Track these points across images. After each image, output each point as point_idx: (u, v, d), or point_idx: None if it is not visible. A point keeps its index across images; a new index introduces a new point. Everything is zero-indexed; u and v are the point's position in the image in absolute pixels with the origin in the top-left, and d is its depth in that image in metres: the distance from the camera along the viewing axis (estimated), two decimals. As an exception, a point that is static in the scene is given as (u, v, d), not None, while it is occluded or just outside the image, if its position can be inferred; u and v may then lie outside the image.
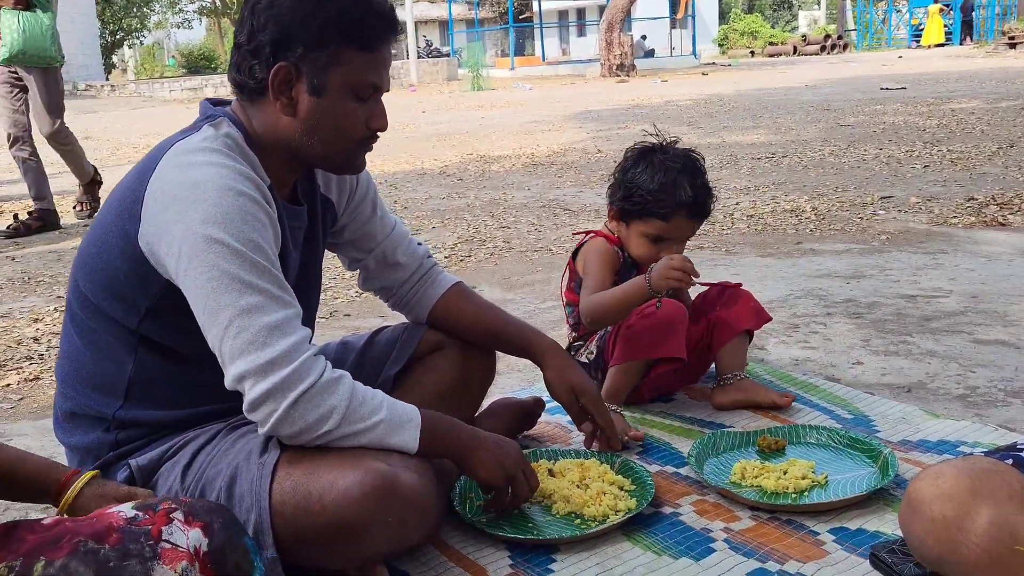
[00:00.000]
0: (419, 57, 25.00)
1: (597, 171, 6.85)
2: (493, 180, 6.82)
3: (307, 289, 1.80)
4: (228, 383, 1.49)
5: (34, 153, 5.52)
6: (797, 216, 4.86)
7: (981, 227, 4.37)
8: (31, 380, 2.93)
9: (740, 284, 2.43)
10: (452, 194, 6.29)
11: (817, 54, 29.43)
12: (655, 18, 31.10)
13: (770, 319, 2.42)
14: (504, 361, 2.63)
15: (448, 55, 28.64)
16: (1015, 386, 2.41)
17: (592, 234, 2.39)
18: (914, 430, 2.14)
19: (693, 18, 29.45)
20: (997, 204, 4.82)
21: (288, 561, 1.51)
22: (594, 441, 2.07)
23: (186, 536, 1.19)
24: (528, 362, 2.06)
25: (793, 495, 1.84)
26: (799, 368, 2.63)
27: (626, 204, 2.28)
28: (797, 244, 4.24)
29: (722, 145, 7.86)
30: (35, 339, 3.35)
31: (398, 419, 1.56)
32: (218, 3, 40.87)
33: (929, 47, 27.61)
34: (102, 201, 5.59)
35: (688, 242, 2.36)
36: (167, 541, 1.18)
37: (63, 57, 5.41)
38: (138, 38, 37.13)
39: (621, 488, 1.87)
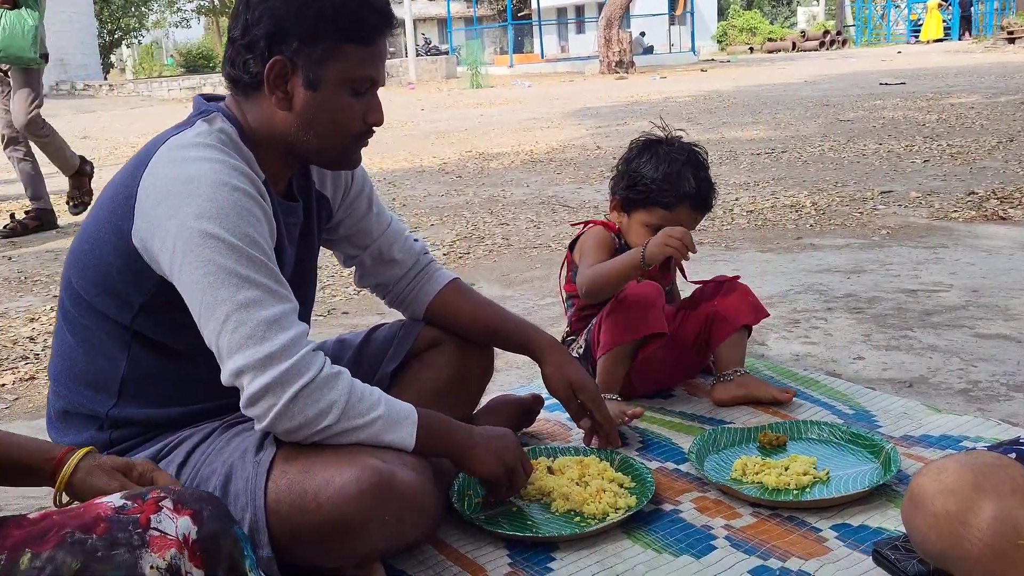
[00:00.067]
0: (418, 55, 24.97)
1: (596, 167, 6.83)
2: (492, 177, 6.81)
3: (302, 285, 1.78)
4: (225, 379, 1.47)
5: (29, 153, 5.49)
6: (797, 211, 4.84)
7: (981, 221, 4.36)
8: (26, 380, 2.91)
9: (737, 277, 2.42)
10: (451, 191, 6.27)
11: (816, 50, 29.40)
12: (654, 15, 31.03)
13: (768, 314, 2.40)
14: (502, 358, 2.62)
15: (447, 53, 28.60)
16: (1017, 380, 2.40)
17: (591, 224, 2.39)
18: (916, 425, 2.12)
19: (692, 14, 29.43)
20: (997, 198, 4.80)
21: (284, 560, 1.49)
22: (593, 438, 2.05)
23: (175, 524, 1.17)
24: (527, 359, 2.04)
25: (795, 491, 1.82)
26: (800, 363, 2.62)
27: (630, 193, 2.29)
28: (797, 239, 4.22)
29: (721, 141, 7.84)
30: (31, 339, 3.34)
31: (396, 416, 1.54)
32: (216, 2, 40.84)
33: (928, 42, 27.57)
34: (95, 194, 5.56)
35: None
36: (156, 529, 1.16)
37: (45, 59, 5.32)
38: (136, 37, 37.07)
39: (621, 485, 1.86)
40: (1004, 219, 4.37)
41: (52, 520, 1.16)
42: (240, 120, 1.61)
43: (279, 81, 1.55)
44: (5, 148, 5.48)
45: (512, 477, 1.71)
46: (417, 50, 25.58)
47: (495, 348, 2.05)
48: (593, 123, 10.23)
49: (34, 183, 5.53)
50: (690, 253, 2.08)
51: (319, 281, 3.87)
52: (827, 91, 12.44)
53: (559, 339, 2.31)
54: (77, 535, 1.12)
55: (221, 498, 1.50)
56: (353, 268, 2.00)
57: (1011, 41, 21.43)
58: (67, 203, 5.78)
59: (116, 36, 34.20)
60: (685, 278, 2.54)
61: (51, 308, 3.73)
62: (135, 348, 1.60)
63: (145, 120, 14.30)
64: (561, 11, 43.35)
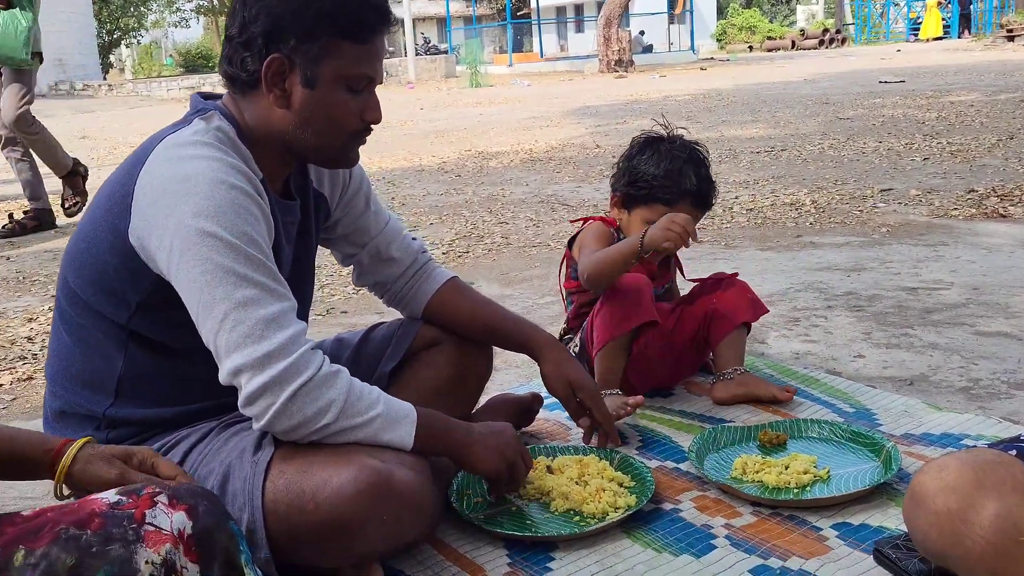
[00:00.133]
0: (417, 54, 24.96)
1: (595, 166, 6.83)
2: (491, 176, 6.80)
3: (300, 284, 1.77)
4: (223, 378, 1.46)
5: (27, 153, 5.48)
6: (797, 209, 4.83)
7: (982, 219, 4.35)
8: (24, 380, 2.90)
9: (736, 274, 2.42)
10: (450, 190, 6.26)
11: (815, 48, 29.38)
12: (653, 14, 31.04)
13: (767, 311, 2.40)
14: (502, 357, 2.61)
15: (446, 52, 28.59)
16: (1018, 378, 2.39)
17: (590, 220, 2.39)
18: (917, 423, 2.11)
19: (691, 13, 29.42)
20: (997, 196, 4.79)
21: (282, 560, 1.49)
22: (592, 436, 2.04)
23: (170, 519, 1.16)
24: (526, 358, 2.03)
25: (795, 490, 1.81)
26: (800, 362, 2.61)
27: (631, 189, 2.29)
28: (797, 237, 4.21)
29: (721, 139, 7.83)
30: (29, 339, 3.33)
31: (394, 415, 1.54)
32: (215, 2, 40.82)
33: (927, 41, 27.57)
34: (90, 194, 5.53)
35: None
36: (150, 524, 1.15)
37: (38, 59, 5.29)
38: (135, 37, 37.05)
39: (620, 484, 1.85)
40: (1004, 217, 4.36)
41: (46, 517, 1.15)
42: (237, 118, 1.60)
43: (277, 79, 1.55)
44: (3, 148, 5.47)
45: (513, 472, 1.71)
46: (416, 49, 25.58)
47: (494, 347, 2.04)
48: (592, 122, 10.22)
49: (32, 183, 5.52)
50: (692, 241, 2.07)
51: (318, 280, 3.90)
52: (827, 89, 12.44)
53: (557, 337, 2.31)
54: (71, 531, 1.12)
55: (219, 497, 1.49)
56: (351, 267, 1.99)
57: (1010, 39, 21.43)
58: (61, 205, 5.75)
59: (115, 36, 34.19)
60: (683, 275, 2.53)
61: (49, 308, 3.72)
62: (132, 347, 1.59)
63: (144, 120, 14.28)
64: (560, 10, 43.35)
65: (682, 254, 3.52)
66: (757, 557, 1.61)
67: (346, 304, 3.58)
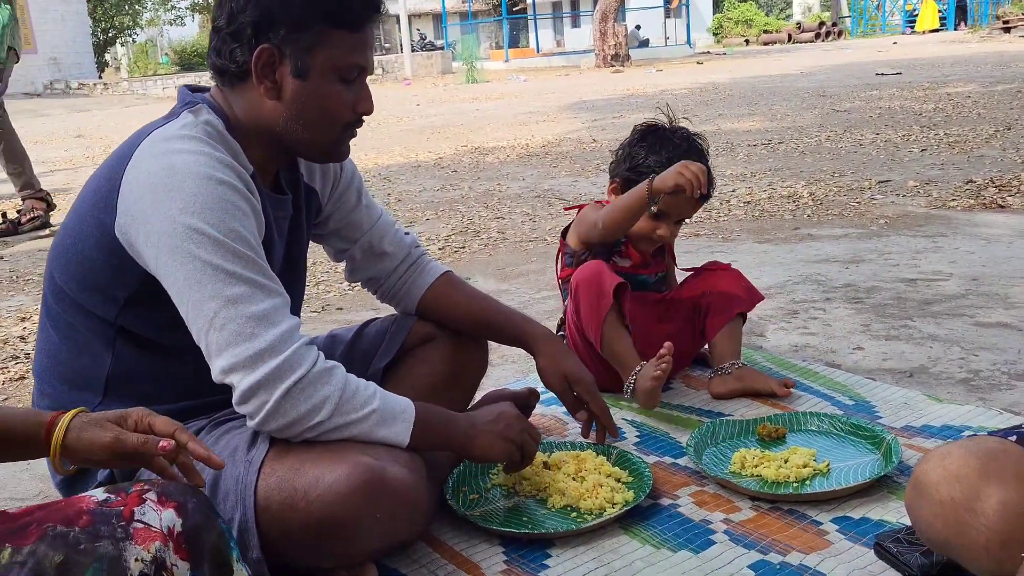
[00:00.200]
0: (413, 51, 24.92)
1: (592, 160, 6.80)
2: (487, 171, 6.77)
3: (292, 280, 1.75)
4: (216, 376, 1.44)
5: (20, 149, 5.44)
6: (794, 202, 4.81)
7: (980, 209, 4.33)
8: (16, 380, 2.88)
9: (729, 264, 2.40)
10: (446, 186, 6.23)
11: (812, 41, 29.35)
12: (649, 8, 31.02)
13: (762, 298, 2.38)
14: (498, 352, 2.59)
15: (442, 48, 28.54)
16: (1018, 369, 2.37)
17: (585, 206, 2.38)
18: (917, 415, 2.09)
19: (687, 7, 29.38)
20: (996, 186, 4.77)
21: (276, 561, 1.47)
22: (591, 431, 2.02)
23: (159, 516, 1.15)
24: (522, 353, 2.01)
25: (794, 484, 1.79)
26: (798, 354, 2.58)
27: (631, 175, 2.28)
28: (795, 230, 4.19)
29: (718, 132, 7.80)
30: (21, 338, 3.30)
31: (391, 411, 1.52)
32: (211, 0, 40.70)
33: (924, 33, 27.54)
34: (52, 219, 5.41)
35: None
36: (139, 521, 1.13)
37: (13, 55, 5.22)
38: (130, 36, 36.95)
39: (618, 480, 1.82)
40: (1003, 207, 4.34)
41: (34, 516, 1.14)
42: (226, 111, 1.58)
43: (267, 70, 1.52)
44: None
45: (524, 450, 1.71)
46: (412, 45, 25.53)
47: (489, 342, 2.02)
48: (589, 116, 10.19)
49: (28, 174, 5.48)
50: (700, 191, 2.06)
51: (314, 277, 3.87)
52: (823, 82, 12.41)
53: (554, 331, 2.29)
54: (59, 528, 1.10)
55: (210, 496, 1.47)
56: (344, 263, 1.97)
57: (1007, 31, 21.42)
58: (16, 221, 5.47)
59: (110, 34, 34.08)
60: (675, 264, 2.51)
61: (43, 307, 3.69)
62: (120, 345, 1.57)
63: (140, 118, 14.20)
64: (556, 5, 43.29)
65: (679, 248, 3.50)
66: (757, 552, 1.59)
67: (341, 300, 3.56)
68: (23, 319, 3.57)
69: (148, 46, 45.36)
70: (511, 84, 18.09)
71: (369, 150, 8.12)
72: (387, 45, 36.02)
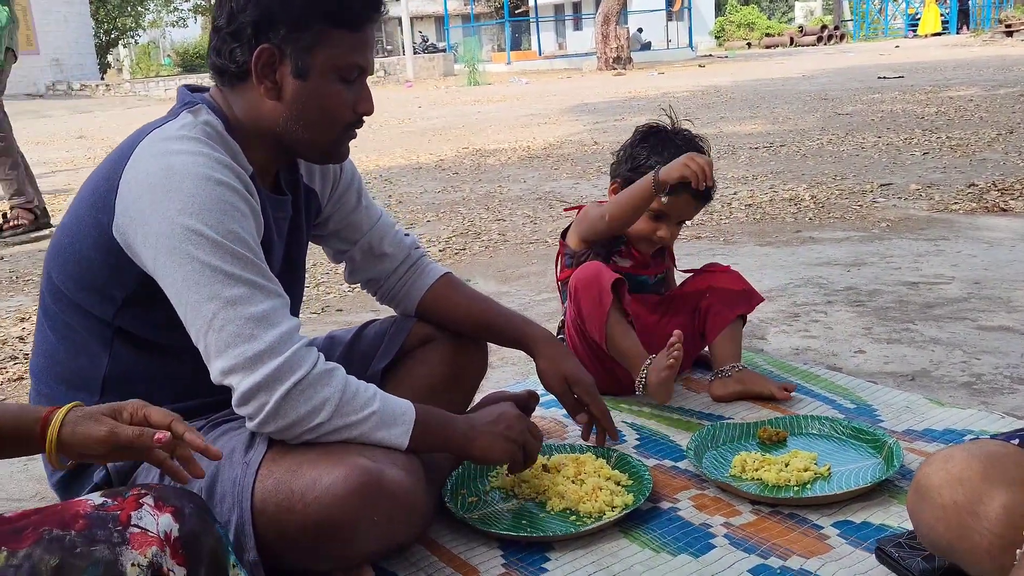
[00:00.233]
0: (415, 53, 24.93)
1: (594, 163, 6.79)
2: (488, 173, 6.76)
3: (291, 281, 1.74)
4: (215, 378, 1.44)
5: (9, 152, 5.42)
6: (796, 205, 4.80)
7: (982, 213, 4.32)
8: (15, 380, 2.87)
9: (728, 267, 2.39)
10: (447, 188, 6.23)
11: (814, 45, 29.35)
12: (651, 11, 31.02)
13: (762, 299, 2.37)
14: (497, 354, 2.58)
15: (444, 51, 28.56)
16: (1021, 372, 2.35)
17: (584, 207, 2.37)
18: (919, 419, 2.08)
19: (689, 10, 29.40)
20: (998, 190, 4.76)
21: (272, 564, 1.46)
22: (591, 434, 2.00)
23: (156, 521, 1.14)
24: (522, 355, 2.00)
25: (795, 488, 1.78)
26: (800, 358, 2.57)
27: (633, 175, 2.27)
28: (796, 233, 4.18)
29: (719, 135, 7.80)
30: (20, 338, 3.30)
31: (391, 413, 1.51)
32: (213, 1, 40.63)
33: (926, 36, 27.55)
34: (43, 233, 5.36)
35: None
36: (136, 526, 1.13)
37: (11, 56, 5.19)
38: (133, 37, 36.97)
39: (618, 483, 1.81)
40: (1005, 211, 4.32)
41: (30, 519, 1.13)
42: (226, 111, 1.57)
43: (267, 70, 1.52)
44: None
45: (526, 450, 1.70)
46: (414, 48, 25.55)
47: (489, 344, 2.01)
48: (590, 119, 10.19)
49: (19, 182, 5.47)
50: (706, 183, 2.06)
51: (314, 278, 3.87)
52: (825, 85, 12.40)
53: (554, 332, 2.28)
54: (55, 532, 1.10)
55: (207, 499, 1.47)
56: (343, 264, 1.96)
57: (1009, 34, 21.40)
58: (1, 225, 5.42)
59: (112, 36, 34.11)
60: (675, 266, 2.50)
61: (42, 308, 3.68)
62: (117, 345, 1.56)
63: (142, 120, 14.07)
64: (558, 8, 43.33)
65: (680, 250, 3.48)
66: (757, 556, 1.58)
67: (341, 302, 3.55)
68: (22, 319, 3.56)
69: (150, 47, 45.41)
70: (513, 86, 18.09)
71: (370, 152, 8.11)
72: (389, 47, 36.06)
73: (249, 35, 1.50)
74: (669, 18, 31.96)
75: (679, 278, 2.51)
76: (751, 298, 2.34)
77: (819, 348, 2.64)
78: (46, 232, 5.44)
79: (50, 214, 5.65)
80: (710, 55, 26.77)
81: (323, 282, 3.86)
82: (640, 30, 29.23)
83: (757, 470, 1.84)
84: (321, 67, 1.52)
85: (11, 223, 5.40)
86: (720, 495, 1.81)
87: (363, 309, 3.36)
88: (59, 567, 1.05)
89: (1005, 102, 8.73)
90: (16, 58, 5.29)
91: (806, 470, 1.81)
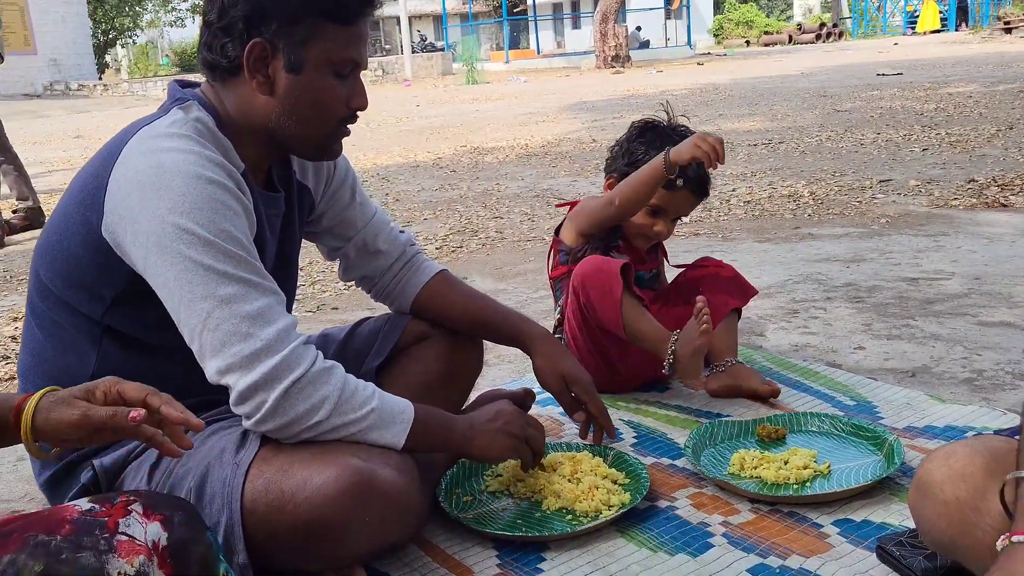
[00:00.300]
0: (413, 52, 24.91)
1: (592, 160, 6.77)
2: (486, 171, 6.74)
3: (284, 279, 1.71)
4: (211, 378, 1.41)
5: (7, 155, 5.41)
6: (795, 201, 4.77)
7: (983, 209, 4.29)
8: (7, 380, 2.85)
9: (720, 260, 2.37)
10: (445, 186, 6.20)
11: (812, 43, 29.35)
12: (650, 9, 31.02)
13: (756, 292, 2.35)
14: (494, 352, 2.56)
15: (442, 49, 28.53)
16: (1023, 368, 2.33)
17: (578, 202, 2.35)
18: (920, 416, 2.06)
19: (688, 9, 29.37)
20: (998, 185, 4.73)
21: (263, 565, 1.44)
22: (588, 432, 1.98)
23: (144, 529, 1.12)
24: (519, 353, 1.98)
25: (795, 486, 1.75)
26: (799, 354, 2.55)
27: (631, 170, 2.25)
28: (795, 229, 4.16)
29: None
30: (13, 338, 3.27)
31: (389, 411, 1.50)
32: (208, -1, 40.44)
33: (925, 34, 27.53)
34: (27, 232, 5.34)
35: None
36: (124, 534, 1.11)
37: None
38: (131, 37, 36.94)
39: (614, 482, 1.79)
40: (1005, 206, 4.30)
41: (15, 524, 1.11)
42: (217, 107, 1.55)
43: (259, 64, 1.49)
44: None
45: (530, 444, 1.69)
46: (412, 47, 25.52)
47: (485, 341, 1.99)
48: (589, 117, 10.17)
49: (18, 184, 5.46)
50: (719, 165, 2.03)
51: (310, 276, 3.84)
52: (824, 82, 12.38)
53: (550, 330, 2.26)
54: (40, 537, 1.08)
55: (196, 500, 1.45)
56: (337, 261, 1.94)
57: (1008, 31, 21.41)
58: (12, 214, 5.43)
59: (110, 36, 34.08)
60: (667, 261, 2.48)
61: (36, 307, 3.66)
62: (106, 343, 1.54)
63: (139, 119, 14.22)
64: (557, 6, 43.30)
65: (679, 247, 3.47)
66: (756, 556, 1.56)
67: (337, 300, 3.53)
68: (15, 319, 3.53)
69: (148, 47, 45.38)
70: (511, 85, 18.07)
71: (368, 150, 8.08)
72: (387, 46, 36.04)
73: (240, 30, 1.48)
74: (667, 16, 31.96)
75: (672, 274, 2.48)
76: (745, 291, 2.32)
77: (818, 344, 2.62)
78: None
79: (46, 214, 5.64)
80: (708, 53, 26.75)
81: (319, 280, 3.83)
82: (639, 28, 29.21)
83: (756, 468, 1.81)
84: (314, 61, 1.50)
85: (21, 224, 5.39)
86: (718, 493, 1.78)
87: (359, 307, 3.34)
88: (44, 573, 1.03)
89: (1004, 98, 8.71)
90: (2, 59, 5.27)
91: (805, 468, 1.79)
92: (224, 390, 1.44)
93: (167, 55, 45.05)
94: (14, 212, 5.52)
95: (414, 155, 7.93)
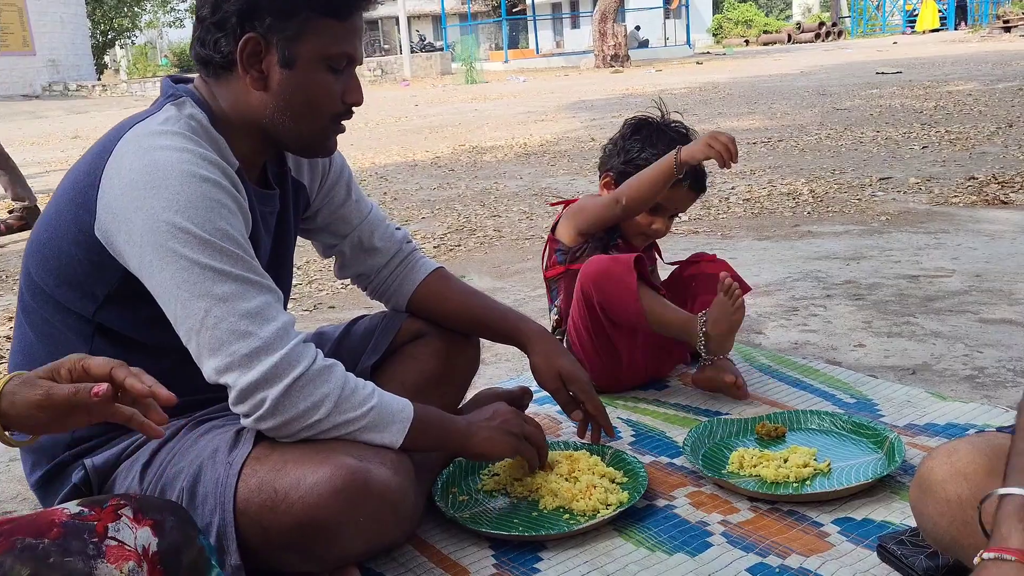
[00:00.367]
0: (412, 52, 24.90)
1: (590, 159, 6.75)
2: (485, 170, 6.72)
3: (279, 277, 1.70)
4: (209, 376, 1.40)
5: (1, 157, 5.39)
6: (794, 199, 4.76)
7: (983, 206, 4.27)
8: (2, 380, 2.82)
9: (714, 255, 2.35)
10: (443, 184, 6.19)
11: (812, 42, 29.35)
12: (649, 8, 31.01)
13: (750, 288, 2.33)
14: (491, 350, 2.54)
15: (441, 49, 28.52)
16: (1024, 366, 2.31)
17: (574, 200, 2.33)
18: (920, 413, 2.04)
19: (687, 8, 29.37)
20: (998, 183, 4.72)
21: (257, 566, 1.42)
22: (586, 431, 1.96)
23: (134, 534, 1.10)
24: (516, 351, 1.96)
25: (794, 484, 1.74)
26: (799, 352, 2.53)
27: (628, 168, 2.23)
28: (795, 227, 4.14)
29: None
30: (7, 338, 3.25)
31: (388, 410, 1.48)
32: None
33: (924, 32, 27.53)
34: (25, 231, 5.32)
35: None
36: (113, 538, 1.09)
37: None
38: (130, 38, 36.92)
39: (612, 480, 1.77)
40: (1005, 203, 4.28)
41: (3, 527, 1.09)
42: (211, 103, 1.53)
43: (253, 59, 1.48)
44: None
45: (531, 441, 1.69)
46: (411, 47, 25.50)
47: (482, 339, 1.97)
48: (588, 116, 10.15)
49: (12, 184, 5.44)
50: (732, 164, 2.02)
51: (306, 275, 3.82)
52: (823, 81, 12.37)
53: (548, 329, 2.24)
54: (27, 540, 1.06)
55: (189, 500, 1.43)
56: (333, 259, 1.92)
57: (1007, 30, 21.41)
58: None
59: (109, 37, 34.06)
60: (661, 259, 2.46)
61: (32, 307, 3.64)
62: (98, 342, 1.52)
63: (137, 119, 14.19)
64: (556, 6, 43.27)
65: (678, 245, 3.45)
66: (755, 555, 1.54)
67: (334, 299, 3.51)
68: (10, 319, 3.51)
69: (147, 48, 45.36)
70: (510, 85, 18.06)
71: (366, 150, 8.06)
72: (386, 46, 36.02)
73: (234, 24, 1.46)
74: (667, 16, 31.96)
75: (665, 272, 2.46)
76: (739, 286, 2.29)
77: (818, 342, 2.60)
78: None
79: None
80: (708, 52, 26.75)
81: (316, 279, 3.81)
82: (638, 28, 29.21)
83: (755, 466, 1.80)
84: (309, 56, 1.48)
85: (17, 224, 5.38)
86: (717, 492, 1.76)
87: (356, 306, 3.32)
88: None
89: (1004, 96, 8.70)
90: None
91: (805, 466, 1.77)
92: (217, 389, 1.42)
93: (166, 56, 45.03)
94: (10, 212, 5.50)
95: (412, 154, 7.91)
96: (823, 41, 29.24)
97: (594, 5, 22.02)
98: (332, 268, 1.96)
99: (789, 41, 30.17)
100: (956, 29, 27.87)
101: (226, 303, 1.38)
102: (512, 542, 1.62)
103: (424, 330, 1.89)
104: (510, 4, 33.45)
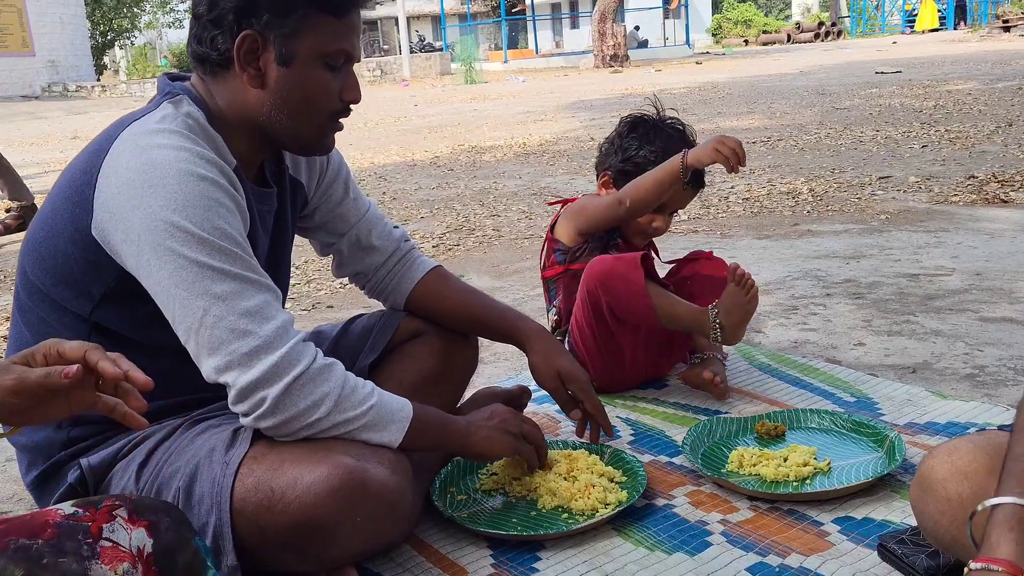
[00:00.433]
0: (412, 52, 24.89)
1: (590, 159, 6.72)
2: (484, 170, 6.71)
3: (276, 275, 1.69)
4: (208, 376, 1.39)
5: None
6: (794, 198, 4.75)
7: (983, 205, 4.27)
8: (-1, 380, 2.81)
9: (711, 252, 2.34)
10: (442, 184, 6.18)
11: (811, 42, 29.36)
12: (648, 8, 31.01)
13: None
14: (489, 349, 2.53)
15: (441, 50, 28.52)
16: (1025, 364, 2.31)
17: (573, 200, 2.32)
18: (921, 412, 2.03)
19: (686, 8, 29.36)
20: (998, 181, 4.71)
21: (254, 566, 1.41)
22: (585, 430, 1.95)
23: (129, 535, 1.09)
24: (514, 350, 1.96)
25: (794, 483, 1.73)
26: (798, 350, 2.52)
27: (626, 166, 2.23)
28: (794, 226, 4.13)
29: (716, 130, 7.75)
30: (5, 338, 3.24)
31: (388, 409, 1.48)
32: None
33: (923, 32, 27.53)
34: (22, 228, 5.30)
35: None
36: (108, 540, 1.08)
37: None
38: (129, 38, 36.90)
39: (611, 480, 1.76)
40: (1005, 202, 4.28)
41: None
42: (208, 101, 1.53)
43: (250, 57, 1.47)
44: None
45: (530, 440, 1.69)
46: (411, 47, 25.50)
47: (480, 338, 1.96)
48: (587, 115, 10.15)
49: (10, 184, 5.43)
50: (740, 168, 2.00)
51: (304, 275, 3.81)
52: (823, 80, 12.37)
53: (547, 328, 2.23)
54: (21, 541, 1.05)
55: (185, 500, 1.43)
56: (330, 257, 1.91)
57: (1006, 29, 21.41)
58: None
59: (109, 37, 34.03)
60: (658, 257, 2.45)
61: (29, 307, 3.63)
62: (94, 341, 1.49)
63: (136, 120, 14.17)
64: (555, 6, 43.28)
65: (677, 244, 3.44)
66: (755, 554, 1.53)
67: (332, 299, 3.50)
68: (8, 319, 3.50)
69: (147, 49, 45.32)
70: (510, 85, 18.05)
71: (365, 149, 8.06)
72: (386, 47, 36.03)
73: (231, 22, 1.45)
74: (666, 16, 31.98)
75: (663, 270, 2.45)
76: None
77: (818, 341, 2.59)
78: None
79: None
80: (707, 52, 26.76)
81: (314, 279, 3.80)
82: (637, 28, 29.21)
83: (755, 465, 1.79)
84: (306, 54, 1.47)
85: (15, 223, 5.37)
86: (717, 491, 1.75)
87: (354, 305, 3.31)
88: None
89: (1004, 95, 8.70)
90: None
91: (805, 465, 1.76)
92: (215, 388, 1.41)
93: (165, 56, 44.99)
94: (7, 212, 5.49)
95: (412, 154, 7.90)
96: (822, 41, 29.24)
97: (593, 5, 22.02)
98: (330, 267, 1.95)
99: (788, 41, 30.18)
100: (955, 29, 27.88)
101: (225, 302, 1.37)
102: (510, 541, 1.61)
103: (422, 329, 1.89)
104: (509, 4, 33.45)
